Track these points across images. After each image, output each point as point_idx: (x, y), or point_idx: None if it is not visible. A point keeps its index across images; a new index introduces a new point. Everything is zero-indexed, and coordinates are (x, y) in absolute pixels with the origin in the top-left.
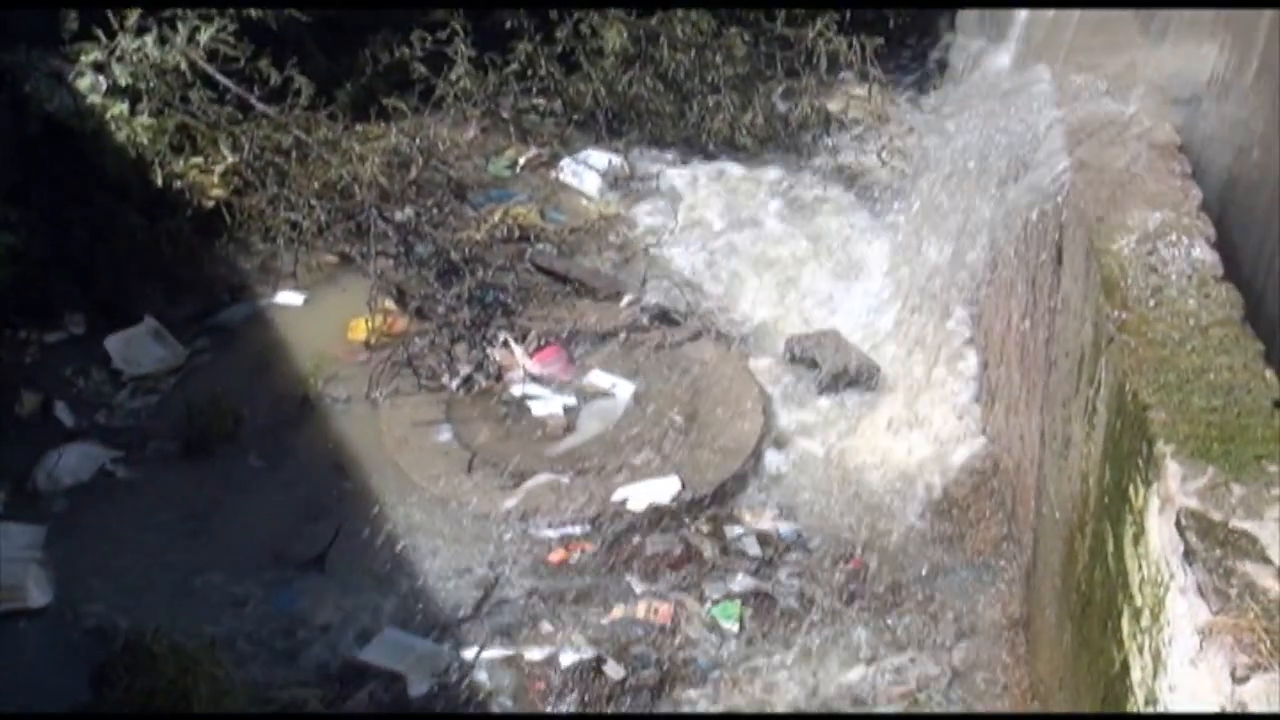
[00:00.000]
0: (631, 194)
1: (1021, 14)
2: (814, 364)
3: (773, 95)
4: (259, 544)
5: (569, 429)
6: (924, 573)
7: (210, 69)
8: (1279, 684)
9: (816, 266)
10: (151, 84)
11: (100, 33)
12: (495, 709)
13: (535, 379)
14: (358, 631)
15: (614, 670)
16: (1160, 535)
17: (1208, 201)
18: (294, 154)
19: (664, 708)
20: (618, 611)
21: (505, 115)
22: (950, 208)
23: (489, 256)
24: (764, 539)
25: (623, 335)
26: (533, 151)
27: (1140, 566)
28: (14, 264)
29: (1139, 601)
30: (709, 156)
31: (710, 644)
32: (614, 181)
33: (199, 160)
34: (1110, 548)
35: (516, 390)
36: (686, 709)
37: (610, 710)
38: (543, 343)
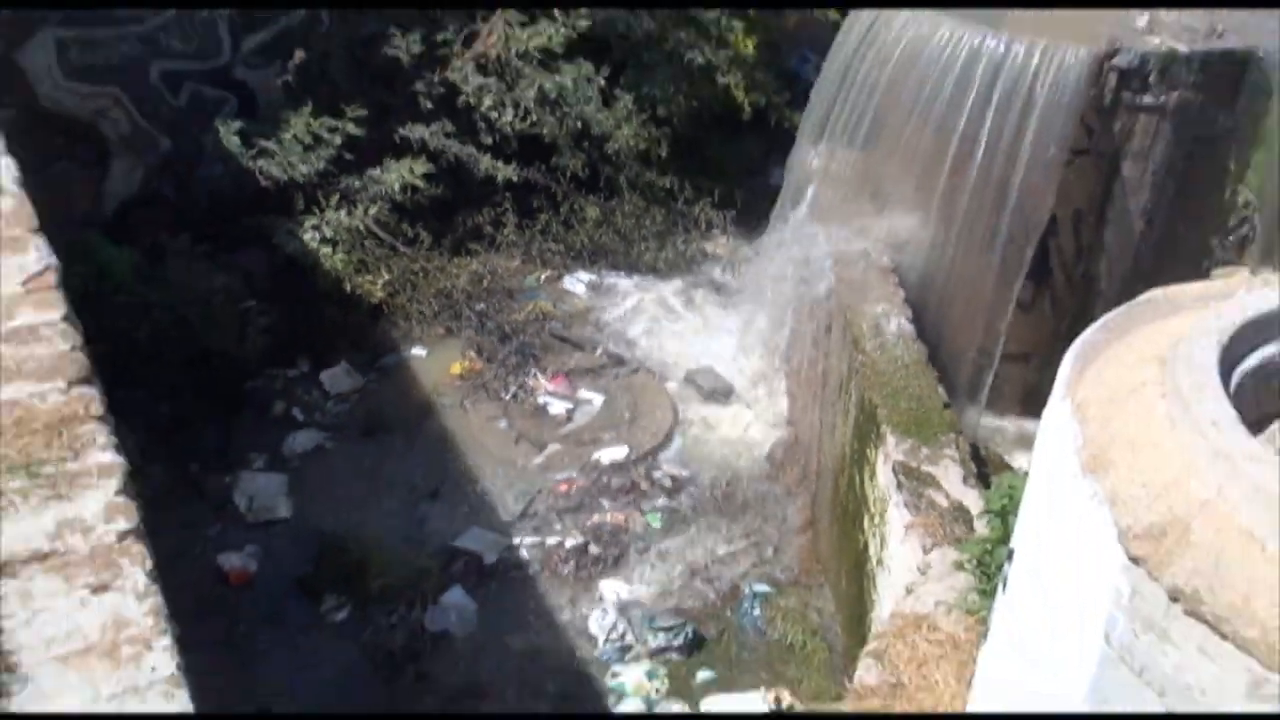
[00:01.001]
0: (602, 295)
1: (808, 193)
2: (699, 386)
3: (677, 242)
4: (404, 483)
5: (570, 420)
6: (759, 496)
7: (375, 228)
8: (948, 553)
9: (700, 333)
10: (343, 237)
11: (315, 209)
12: (530, 572)
13: (551, 394)
14: (455, 530)
15: (595, 549)
16: (884, 475)
17: (908, 298)
18: (420, 274)
19: (621, 571)
20: (596, 518)
21: (534, 253)
22: (770, 301)
23: (526, 329)
24: (673, 478)
25: (597, 370)
26: (549, 272)
27: (873, 492)
28: (268, 334)
29: (873, 511)
30: (643, 275)
31: (645, 534)
32: (593, 288)
33: (369, 277)
34: (858, 482)
35: (541, 400)
36: (637, 570)
37: (593, 570)
38: (555, 374)
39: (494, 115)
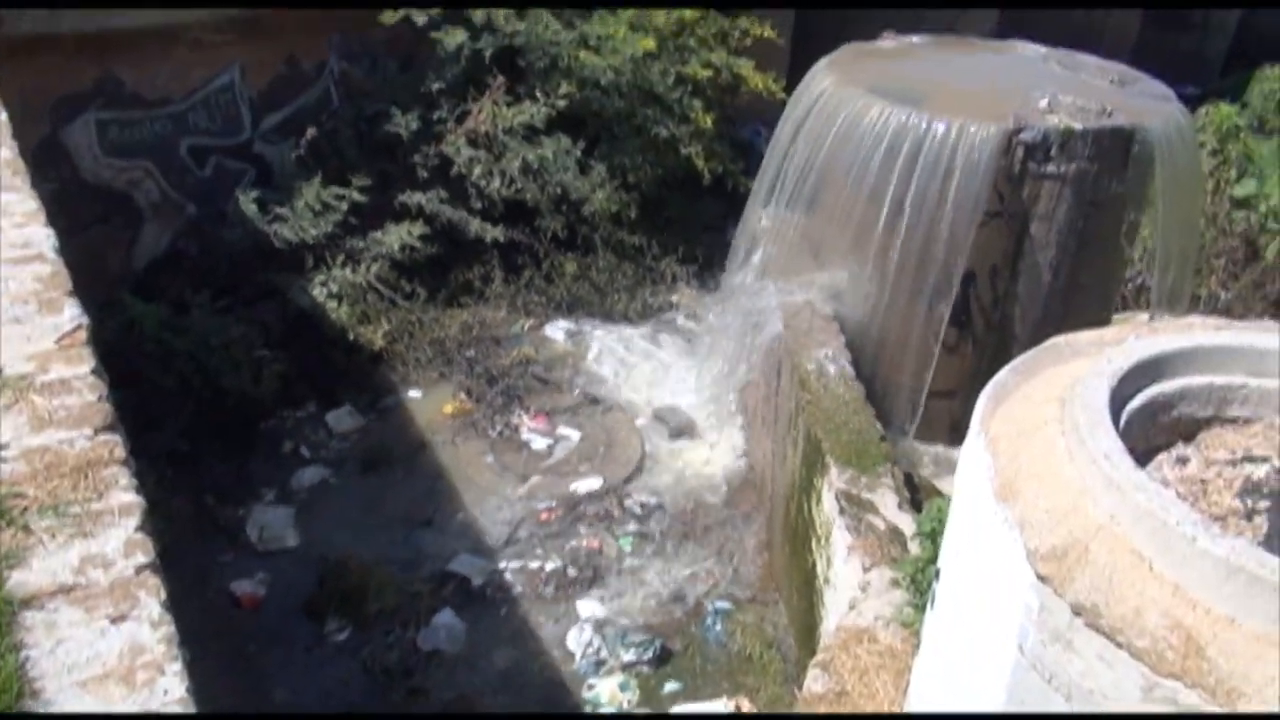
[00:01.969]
0: (579, 342)
1: (758, 250)
2: (666, 422)
3: (646, 294)
4: (400, 514)
5: (550, 454)
6: (720, 521)
7: (377, 284)
8: (886, 572)
9: (666, 374)
10: (348, 292)
11: (324, 267)
12: (514, 594)
13: (533, 431)
14: (447, 555)
15: (572, 572)
16: (828, 501)
17: (847, 343)
18: (417, 324)
19: (596, 592)
20: (573, 543)
21: (519, 304)
22: (727, 346)
23: (511, 373)
24: (643, 506)
25: (574, 409)
26: (532, 321)
27: (819, 516)
28: (280, 379)
29: (819, 534)
30: (616, 323)
31: (618, 558)
32: (571, 336)
33: (371, 327)
34: (806, 508)
35: (524, 436)
36: (611, 590)
37: (570, 591)
38: (537, 413)
39: (483, 183)
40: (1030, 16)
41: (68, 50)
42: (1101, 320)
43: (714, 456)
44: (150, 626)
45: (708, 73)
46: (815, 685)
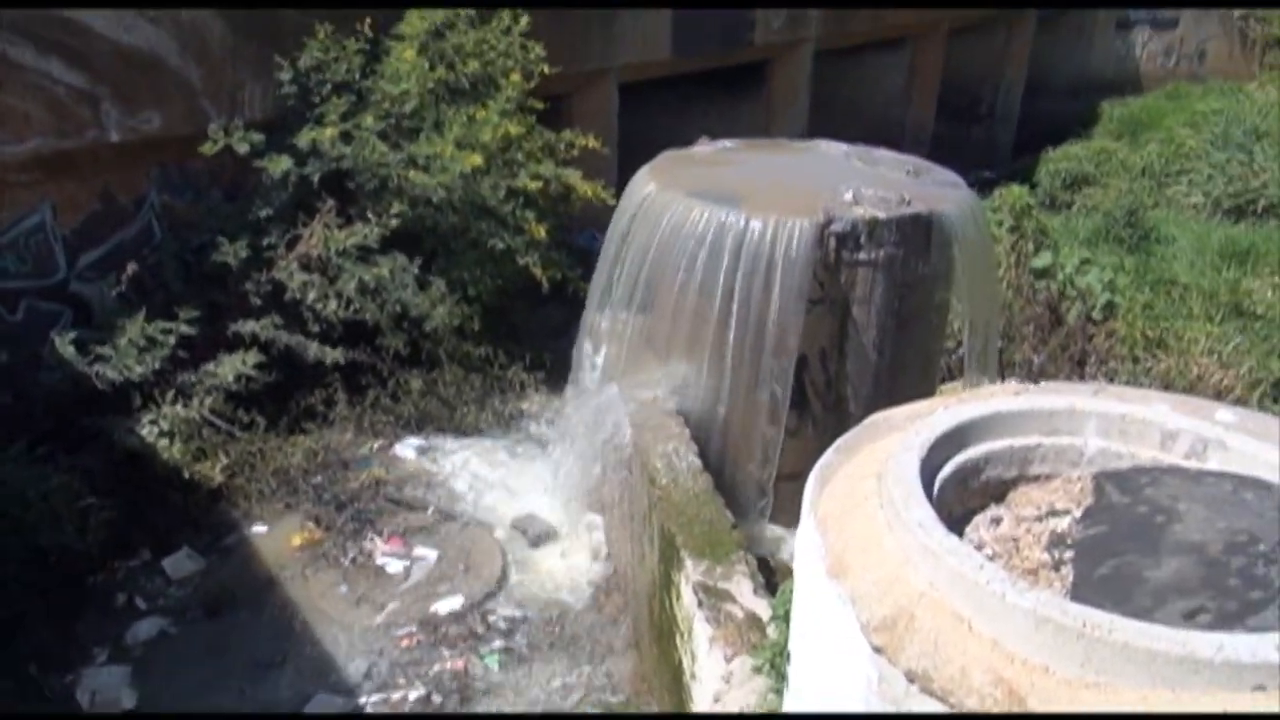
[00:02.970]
0: (431, 458)
1: (600, 352)
2: (525, 531)
3: (495, 404)
4: (250, 657)
5: (407, 577)
6: (587, 627)
7: (212, 418)
8: (747, 660)
9: (522, 482)
10: (180, 428)
11: (153, 405)
12: None
13: (388, 554)
14: (304, 697)
15: (437, 698)
16: (687, 595)
17: (694, 435)
18: (258, 455)
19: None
20: (437, 667)
21: (366, 425)
22: (579, 448)
23: (362, 497)
24: (508, 620)
25: (430, 528)
26: (381, 441)
27: (680, 611)
28: (109, 528)
29: (682, 628)
30: (468, 435)
31: (485, 676)
32: (422, 452)
33: (208, 464)
34: (667, 603)
35: (379, 561)
36: (480, 710)
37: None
38: (391, 535)
39: (319, 306)
40: (839, 114)
41: None
42: (927, 392)
43: (576, 561)
44: None
45: (537, 184)
46: None
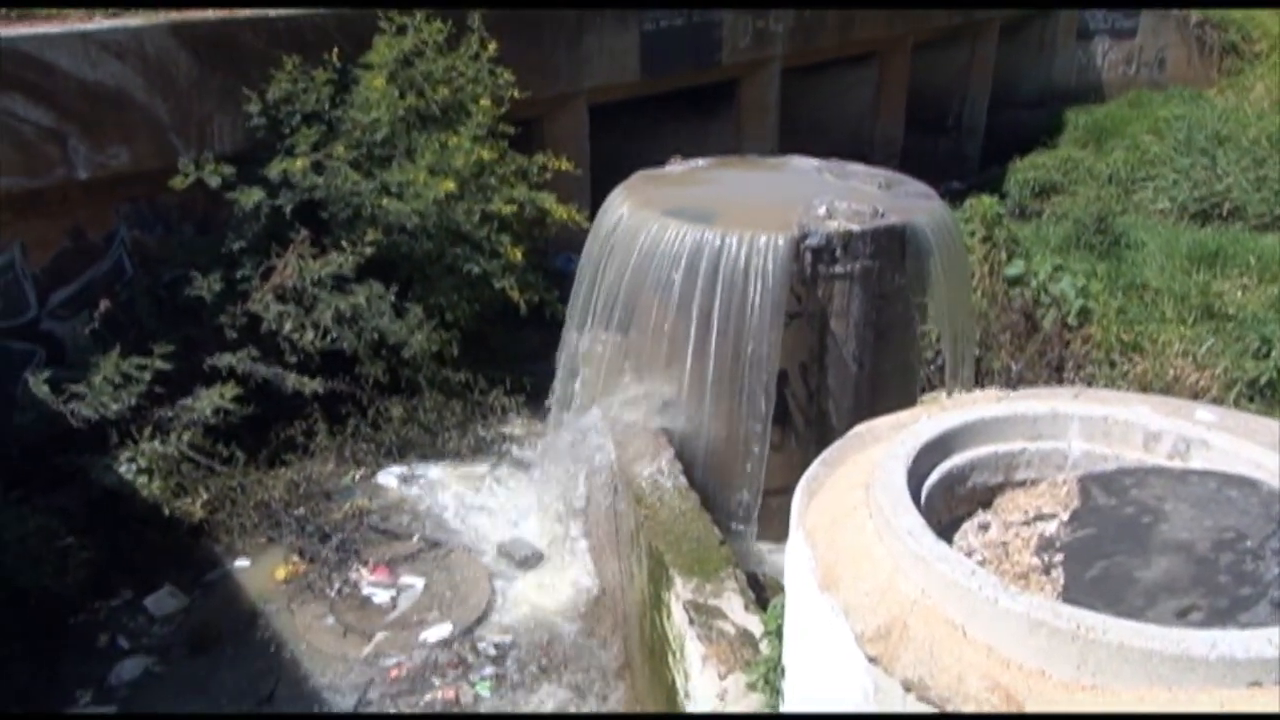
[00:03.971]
0: (415, 486)
1: (579, 374)
2: (512, 555)
3: (477, 429)
4: (236, 694)
5: (394, 606)
6: (578, 649)
7: (190, 453)
8: (740, 677)
9: (507, 507)
10: (159, 465)
11: (130, 441)
12: None
13: (374, 584)
14: None
15: None
16: (678, 613)
17: (678, 454)
18: (239, 489)
19: None
20: (428, 696)
21: (347, 455)
22: (563, 471)
23: (346, 527)
24: (497, 646)
25: (416, 556)
26: (363, 470)
27: (671, 630)
28: (89, 568)
29: (674, 647)
30: (450, 462)
31: (476, 704)
32: (405, 480)
33: (188, 499)
34: (658, 623)
35: (365, 591)
36: None
37: None
38: (376, 565)
39: (296, 337)
40: (808, 130)
41: None
42: (908, 403)
43: (564, 584)
44: None
45: (512, 208)
46: None
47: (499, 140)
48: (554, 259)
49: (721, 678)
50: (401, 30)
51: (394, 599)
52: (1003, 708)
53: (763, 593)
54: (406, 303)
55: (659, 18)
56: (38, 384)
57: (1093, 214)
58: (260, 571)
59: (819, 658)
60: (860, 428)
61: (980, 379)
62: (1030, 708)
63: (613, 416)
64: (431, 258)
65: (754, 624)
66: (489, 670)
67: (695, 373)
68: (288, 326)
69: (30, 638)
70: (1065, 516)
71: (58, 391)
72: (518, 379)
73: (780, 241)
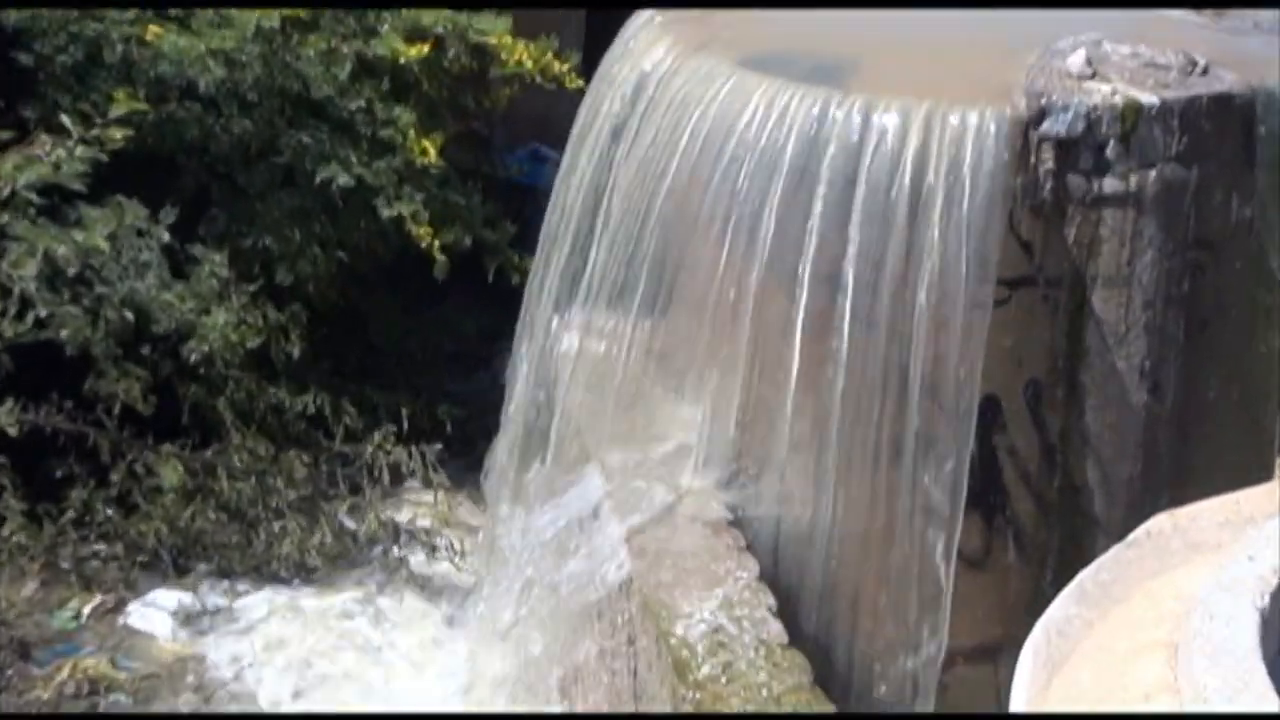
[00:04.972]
0: (205, 630)
1: (557, 405)
2: None
3: (339, 513)
4: None
5: None
6: None
7: None
8: None
9: (408, 676)
10: None
11: None
12: None
13: None
14: None
15: None
16: None
17: (764, 572)
18: None
19: None
20: None
21: (65, 565)
22: (520, 604)
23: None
24: None
25: None
26: (98, 599)
27: None
28: None
29: None
30: (282, 582)
31: None
32: (187, 620)
33: None
34: None
35: None
36: None
37: None
38: None
39: None
40: None
41: None
42: (1259, 470)
43: None
44: None
45: (418, 50)
46: None
47: None
48: (506, 158)
49: None
50: None
51: None
52: None
53: None
54: (194, 246)
55: None
56: None
57: None
58: None
59: None
60: (1161, 519)
61: None
62: None
63: (630, 488)
64: (248, 154)
65: None
66: None
67: (805, 397)
68: None
69: None
70: None
71: None
72: (426, 406)
73: (991, 125)
